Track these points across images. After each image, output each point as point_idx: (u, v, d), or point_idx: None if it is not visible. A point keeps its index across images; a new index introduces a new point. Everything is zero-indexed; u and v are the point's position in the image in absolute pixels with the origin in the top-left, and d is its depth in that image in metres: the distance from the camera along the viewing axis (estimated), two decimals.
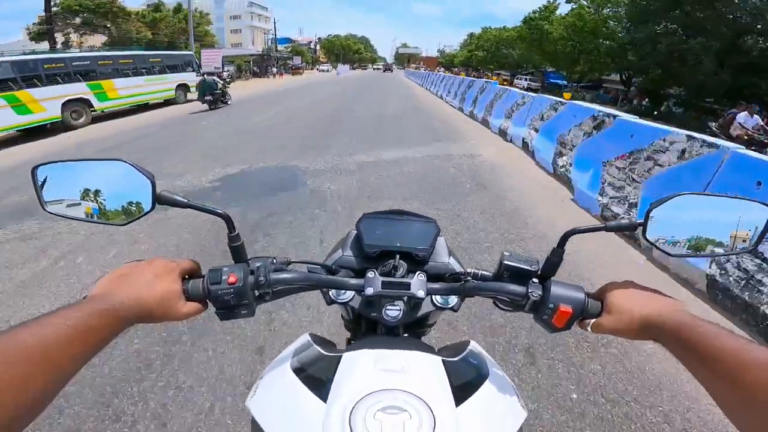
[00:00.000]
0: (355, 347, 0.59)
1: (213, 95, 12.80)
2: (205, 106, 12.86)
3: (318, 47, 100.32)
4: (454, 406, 0.49)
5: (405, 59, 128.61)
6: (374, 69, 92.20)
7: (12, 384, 0.34)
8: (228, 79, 17.04)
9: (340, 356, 0.57)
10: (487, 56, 48.29)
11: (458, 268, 0.71)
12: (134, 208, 0.58)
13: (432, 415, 0.45)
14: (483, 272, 0.66)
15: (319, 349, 0.61)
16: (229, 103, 14.04)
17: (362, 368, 0.53)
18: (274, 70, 45.87)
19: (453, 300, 0.68)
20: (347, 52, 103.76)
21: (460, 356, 0.61)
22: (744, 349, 0.40)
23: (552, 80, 37.82)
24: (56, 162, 0.57)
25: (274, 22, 63.25)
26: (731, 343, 0.42)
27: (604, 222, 0.60)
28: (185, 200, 0.58)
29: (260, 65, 50.09)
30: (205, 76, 13.59)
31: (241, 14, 76.44)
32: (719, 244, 0.58)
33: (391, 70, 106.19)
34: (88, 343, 0.42)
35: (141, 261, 0.56)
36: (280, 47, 72.00)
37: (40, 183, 0.56)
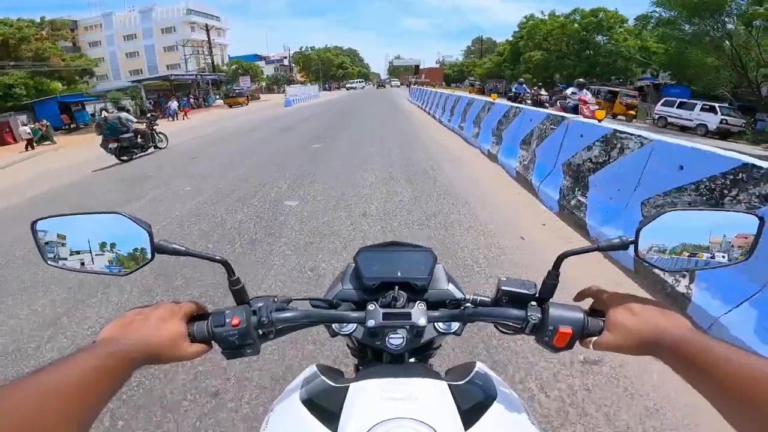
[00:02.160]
0: (362, 377, 0.60)
1: (120, 141, 9.21)
2: (113, 158, 9.37)
3: (293, 63, 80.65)
4: (463, 431, 0.49)
5: (406, 72, 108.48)
6: (348, 89, 68.11)
7: (57, 419, 0.37)
8: (150, 116, 11.65)
9: (347, 387, 0.57)
10: (557, 58, 28.07)
11: (458, 294, 0.72)
12: (134, 259, 0.59)
13: None
14: (482, 297, 0.67)
15: (326, 380, 0.62)
16: (162, 147, 10.83)
17: (370, 398, 0.54)
18: (174, 105, 25.38)
19: (455, 325, 0.68)
20: (329, 67, 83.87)
21: (467, 379, 0.61)
22: (746, 361, 0.40)
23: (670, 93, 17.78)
24: (54, 216, 0.58)
25: (207, 31, 43.17)
26: (732, 355, 0.41)
27: (598, 243, 0.61)
28: (184, 248, 0.60)
29: (161, 96, 30.03)
30: (106, 114, 10.38)
31: (176, 26, 57.08)
32: (712, 257, 0.59)
33: (384, 86, 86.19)
34: (107, 384, 0.44)
35: (145, 307, 0.58)
36: (223, 67, 52.23)
37: (40, 237, 0.57)
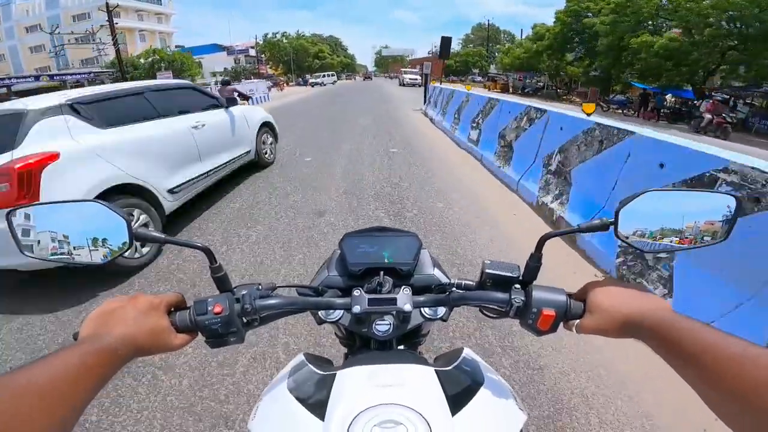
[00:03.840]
0: (349, 364, 0.60)
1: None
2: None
3: (261, 53, 66.98)
4: (450, 416, 0.49)
5: (395, 63, 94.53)
6: (312, 85, 49.85)
7: (30, 417, 0.37)
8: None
9: (335, 375, 0.57)
10: (703, 43, 14.90)
11: (444, 279, 0.73)
12: (112, 248, 0.58)
13: (428, 426, 0.46)
14: (467, 281, 0.67)
15: (314, 368, 0.61)
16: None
17: (356, 385, 0.54)
18: None
19: (441, 311, 0.69)
20: (303, 57, 70.36)
21: (454, 365, 0.61)
22: (724, 343, 0.40)
23: None
24: (30, 206, 0.57)
25: (108, 11, 30.11)
26: (712, 338, 0.41)
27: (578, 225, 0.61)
28: (162, 236, 0.59)
29: None
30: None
31: (90, 11, 43.45)
32: (691, 237, 0.59)
33: (371, 78, 73.63)
34: (92, 380, 0.44)
35: (123, 297, 0.56)
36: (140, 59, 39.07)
37: (16, 227, 0.56)
